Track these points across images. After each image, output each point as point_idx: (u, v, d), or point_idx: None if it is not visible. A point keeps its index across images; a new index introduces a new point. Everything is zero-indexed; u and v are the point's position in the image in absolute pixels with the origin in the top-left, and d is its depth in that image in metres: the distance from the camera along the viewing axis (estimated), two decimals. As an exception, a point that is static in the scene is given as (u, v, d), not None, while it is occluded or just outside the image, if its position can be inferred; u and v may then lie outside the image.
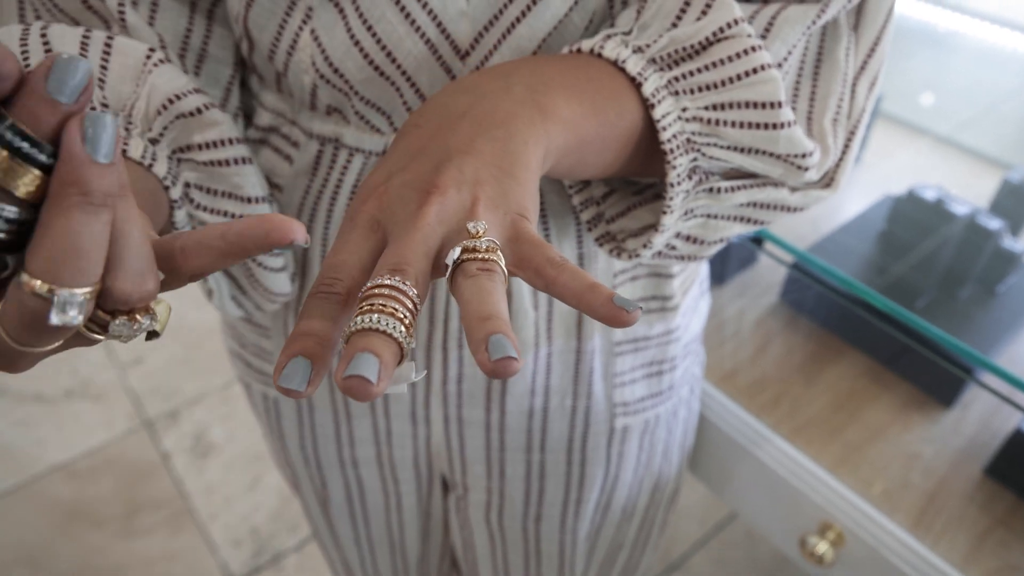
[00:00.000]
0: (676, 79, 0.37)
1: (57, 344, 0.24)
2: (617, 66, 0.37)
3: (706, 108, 0.37)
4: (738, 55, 0.36)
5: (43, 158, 0.21)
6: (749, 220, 0.43)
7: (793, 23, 0.37)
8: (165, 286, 0.26)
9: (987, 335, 0.79)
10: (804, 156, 0.38)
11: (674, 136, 0.37)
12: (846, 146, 0.42)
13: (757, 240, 0.82)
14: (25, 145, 0.21)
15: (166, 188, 0.38)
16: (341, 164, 0.45)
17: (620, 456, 0.59)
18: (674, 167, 0.37)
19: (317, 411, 0.58)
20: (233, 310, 0.50)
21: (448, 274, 0.27)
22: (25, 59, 0.35)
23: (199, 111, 0.38)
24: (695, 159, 0.38)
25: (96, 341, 0.25)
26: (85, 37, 0.37)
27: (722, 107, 0.37)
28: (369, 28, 0.39)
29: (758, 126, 0.37)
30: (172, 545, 1.38)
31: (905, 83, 1.18)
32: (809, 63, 0.41)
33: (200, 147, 0.39)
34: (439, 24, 0.38)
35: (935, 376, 0.77)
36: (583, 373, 0.53)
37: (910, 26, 1.26)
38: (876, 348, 0.82)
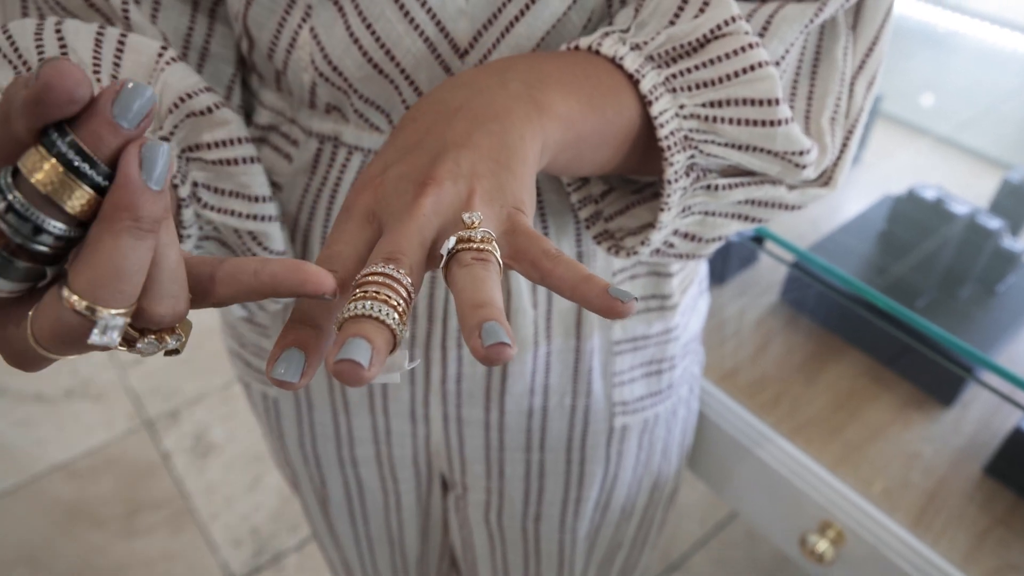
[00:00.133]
0: (674, 76, 0.37)
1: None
2: (615, 63, 0.37)
3: (703, 105, 0.37)
4: (735, 52, 0.36)
5: (98, 179, 0.21)
6: (747, 218, 0.43)
7: (791, 22, 0.37)
8: (190, 306, 0.26)
9: (987, 334, 0.79)
10: (802, 154, 0.38)
11: (671, 133, 0.37)
12: (844, 145, 0.42)
13: (758, 239, 0.82)
14: (83, 163, 0.21)
15: (174, 187, 0.38)
16: (340, 162, 0.45)
17: (619, 455, 0.59)
18: (671, 164, 0.37)
19: (316, 410, 0.58)
20: (237, 310, 0.50)
21: (443, 263, 0.27)
22: (40, 54, 0.35)
23: (210, 110, 0.38)
24: (692, 156, 0.38)
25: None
26: (99, 34, 0.37)
27: (719, 104, 0.37)
28: (368, 26, 0.39)
29: (755, 123, 0.37)
30: (172, 545, 1.38)
31: (905, 83, 1.18)
32: (807, 62, 0.41)
33: (209, 146, 0.39)
34: (438, 22, 0.39)
35: (935, 375, 0.77)
36: (582, 372, 0.53)
37: (910, 26, 1.26)
38: (876, 347, 0.82)
